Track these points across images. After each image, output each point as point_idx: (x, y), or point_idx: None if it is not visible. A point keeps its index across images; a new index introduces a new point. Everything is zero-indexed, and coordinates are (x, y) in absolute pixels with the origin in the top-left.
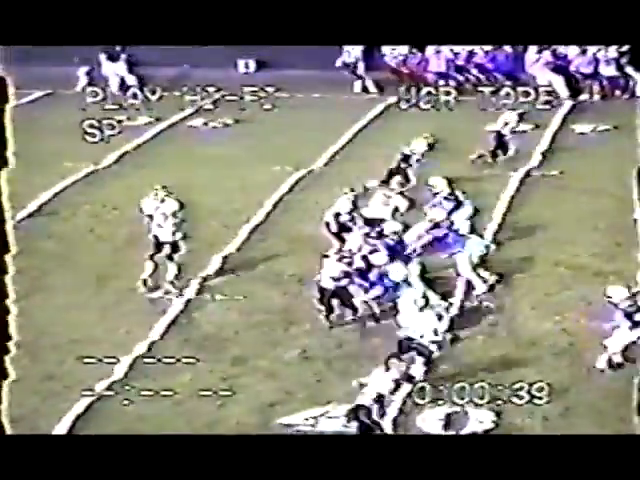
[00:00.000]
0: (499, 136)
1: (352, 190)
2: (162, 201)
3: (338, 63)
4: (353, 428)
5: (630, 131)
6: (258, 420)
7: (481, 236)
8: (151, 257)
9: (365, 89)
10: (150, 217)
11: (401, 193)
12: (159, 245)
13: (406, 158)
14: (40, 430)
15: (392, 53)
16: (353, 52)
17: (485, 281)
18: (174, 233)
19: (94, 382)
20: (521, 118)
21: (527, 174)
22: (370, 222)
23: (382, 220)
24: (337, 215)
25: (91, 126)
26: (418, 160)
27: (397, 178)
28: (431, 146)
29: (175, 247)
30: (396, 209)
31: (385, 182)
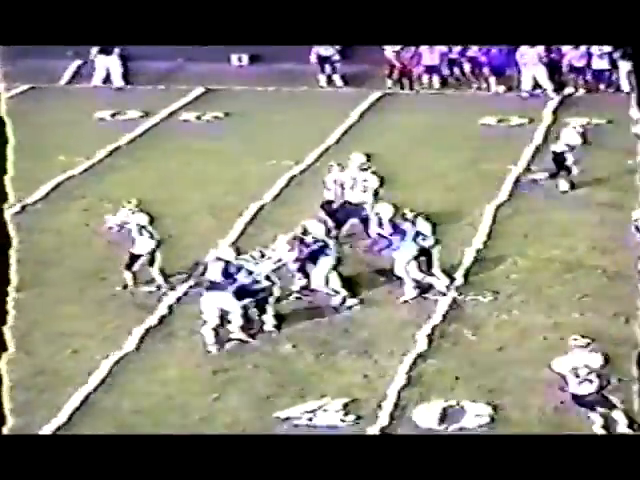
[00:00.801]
0: None
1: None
2: (133, 213)
3: (313, 57)
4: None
5: (624, 125)
6: (253, 414)
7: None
8: (127, 267)
9: (331, 82)
10: (120, 228)
11: (374, 173)
12: (133, 258)
13: (560, 153)
14: (31, 425)
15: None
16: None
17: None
18: (147, 246)
19: (86, 376)
20: None
21: (527, 168)
22: (347, 208)
23: (361, 205)
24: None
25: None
26: (572, 149)
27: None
28: (584, 136)
29: (152, 258)
30: (375, 191)
31: (554, 175)
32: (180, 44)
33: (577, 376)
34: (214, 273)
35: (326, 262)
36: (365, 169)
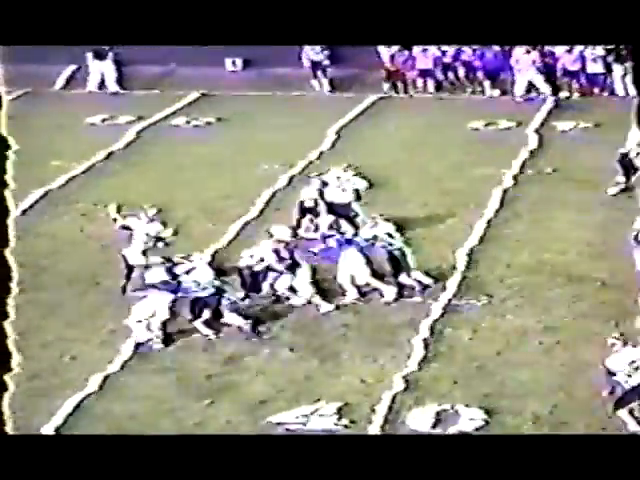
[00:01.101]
0: None
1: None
2: (151, 221)
3: (306, 62)
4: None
5: (612, 128)
6: (248, 418)
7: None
8: (127, 277)
9: (322, 86)
10: (130, 233)
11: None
12: (130, 268)
13: (626, 155)
14: (25, 429)
15: (389, 51)
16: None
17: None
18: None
19: (81, 381)
20: None
21: (520, 171)
22: (333, 207)
23: (347, 204)
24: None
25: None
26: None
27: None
28: None
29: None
30: (357, 192)
31: (627, 178)
32: (179, 44)
33: (637, 369)
34: (157, 276)
35: (304, 271)
36: (349, 170)
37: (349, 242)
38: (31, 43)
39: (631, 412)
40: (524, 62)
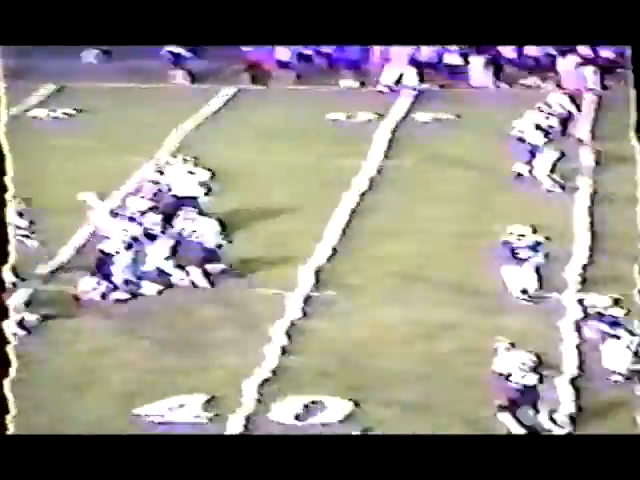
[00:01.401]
0: None
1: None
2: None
3: (164, 53)
4: None
5: (472, 119)
6: (113, 411)
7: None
8: None
9: (184, 78)
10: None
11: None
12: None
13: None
14: None
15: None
16: None
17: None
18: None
19: None
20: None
21: (381, 163)
22: (180, 201)
23: (195, 198)
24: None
25: None
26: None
27: None
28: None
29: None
30: (207, 186)
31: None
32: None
33: (522, 370)
34: None
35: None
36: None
37: (151, 237)
38: (38, 43)
39: (516, 417)
40: (396, 54)
